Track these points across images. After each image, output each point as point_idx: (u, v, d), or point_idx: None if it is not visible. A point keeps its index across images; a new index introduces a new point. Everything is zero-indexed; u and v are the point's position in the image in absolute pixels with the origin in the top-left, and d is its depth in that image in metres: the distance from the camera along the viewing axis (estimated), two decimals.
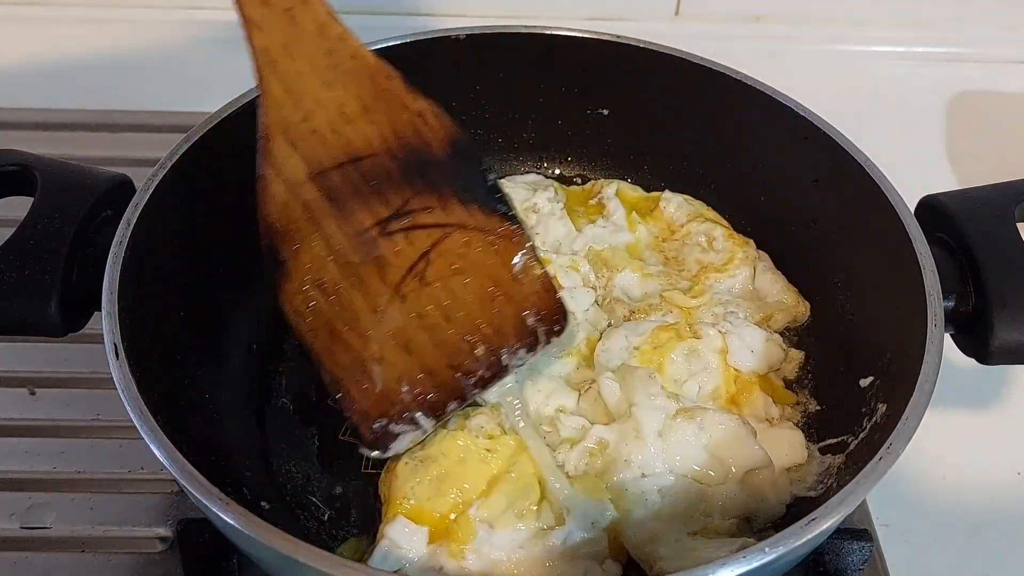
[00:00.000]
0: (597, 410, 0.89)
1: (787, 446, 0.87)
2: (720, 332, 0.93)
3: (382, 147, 0.73)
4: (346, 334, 0.74)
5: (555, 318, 0.81)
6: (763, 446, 0.85)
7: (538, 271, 0.79)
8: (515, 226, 0.78)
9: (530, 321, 0.79)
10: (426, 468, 0.81)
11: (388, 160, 0.73)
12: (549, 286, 0.80)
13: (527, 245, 0.78)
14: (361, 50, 0.71)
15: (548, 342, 0.82)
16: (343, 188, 0.72)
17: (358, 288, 0.74)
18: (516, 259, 0.78)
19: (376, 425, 0.77)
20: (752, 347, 0.93)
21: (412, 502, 0.79)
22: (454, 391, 0.79)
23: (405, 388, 0.77)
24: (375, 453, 0.79)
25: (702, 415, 0.85)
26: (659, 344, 0.92)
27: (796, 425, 0.91)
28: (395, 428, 0.77)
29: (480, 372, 0.79)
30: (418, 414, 0.78)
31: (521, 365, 0.81)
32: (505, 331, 0.79)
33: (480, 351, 0.78)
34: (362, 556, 0.80)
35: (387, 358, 0.76)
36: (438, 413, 0.79)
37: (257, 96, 0.69)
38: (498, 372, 0.80)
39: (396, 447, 0.79)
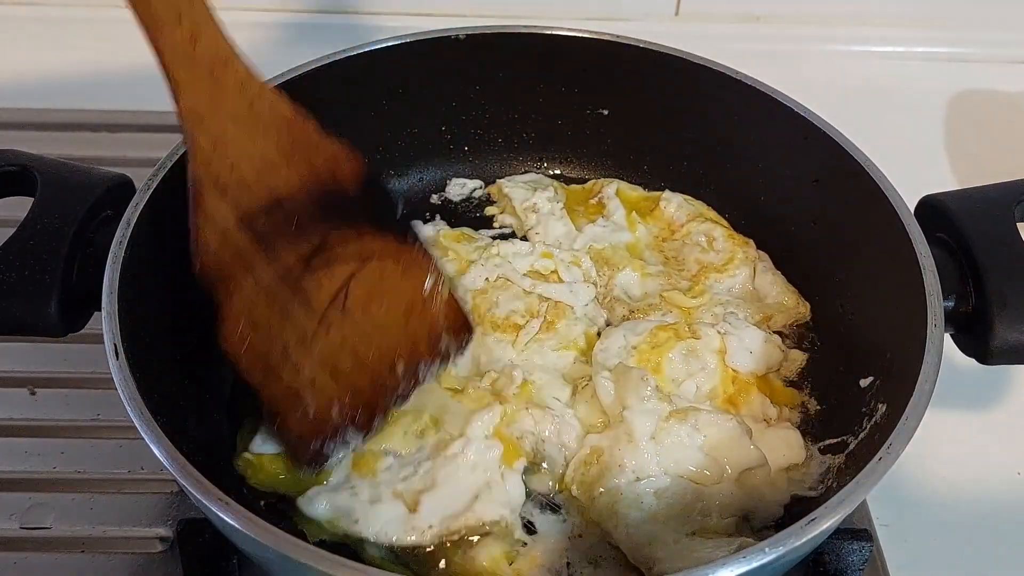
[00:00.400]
0: (593, 409, 0.89)
1: (784, 446, 0.88)
2: (719, 332, 0.93)
3: (302, 189, 0.78)
4: (278, 367, 0.79)
5: (463, 332, 0.89)
6: (759, 446, 0.85)
7: (446, 292, 0.85)
8: (423, 252, 0.84)
9: (442, 337, 0.86)
10: None
11: (308, 201, 0.78)
12: (455, 304, 0.87)
13: (434, 268, 0.84)
14: (278, 101, 0.77)
15: (460, 353, 0.89)
16: (269, 230, 0.77)
17: (287, 322, 0.79)
18: (426, 282, 0.84)
19: (312, 447, 0.82)
20: (751, 348, 0.93)
21: None
22: (379, 406, 0.85)
23: (335, 410, 0.82)
24: (308, 471, 0.83)
25: (696, 416, 0.85)
26: (657, 344, 0.92)
27: (795, 425, 0.91)
28: (328, 448, 0.83)
29: (400, 386, 0.85)
30: (348, 431, 0.83)
31: (435, 375, 0.88)
32: (420, 348, 0.86)
33: (400, 368, 0.84)
34: (249, 430, 0.86)
35: (317, 384, 0.81)
36: (365, 429, 0.84)
37: (184, 151, 0.74)
38: (415, 383, 0.86)
39: (329, 463, 0.84)
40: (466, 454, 0.84)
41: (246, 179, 0.75)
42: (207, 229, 0.75)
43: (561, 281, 1.00)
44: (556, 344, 0.95)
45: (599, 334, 0.96)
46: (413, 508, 0.81)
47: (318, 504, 0.82)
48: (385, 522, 0.81)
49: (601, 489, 0.83)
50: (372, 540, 0.80)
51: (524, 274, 1.00)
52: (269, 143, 0.76)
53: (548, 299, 0.98)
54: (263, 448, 0.85)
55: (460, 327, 0.88)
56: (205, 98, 0.72)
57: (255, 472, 0.85)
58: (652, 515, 0.81)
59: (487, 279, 0.99)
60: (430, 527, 0.81)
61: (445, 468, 0.83)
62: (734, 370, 0.92)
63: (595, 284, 1.01)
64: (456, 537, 0.81)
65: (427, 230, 1.07)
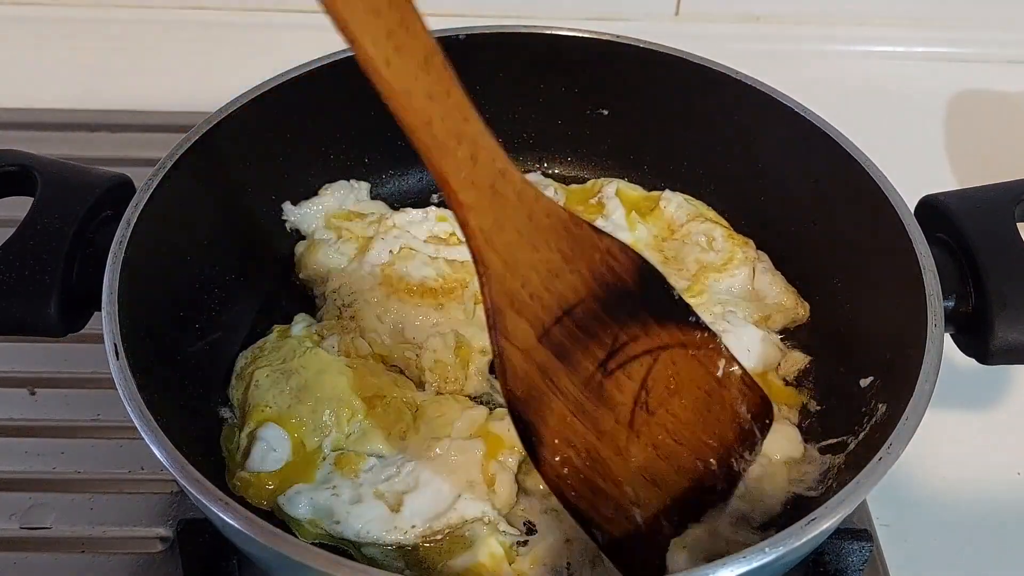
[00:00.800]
0: None
1: (782, 441, 0.87)
2: (718, 331, 0.93)
3: (586, 292, 0.74)
4: (604, 486, 0.75)
5: (764, 412, 0.83)
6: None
7: (737, 370, 0.81)
8: (707, 333, 0.79)
9: (744, 421, 0.82)
10: (287, 379, 0.88)
11: (593, 303, 0.74)
12: (751, 382, 0.82)
13: (723, 348, 0.80)
14: (552, 205, 0.72)
15: (763, 436, 0.83)
16: (565, 341, 0.73)
17: (600, 436, 0.75)
18: (719, 364, 0.80)
19: (653, 563, 0.78)
20: (749, 346, 0.93)
21: (272, 409, 0.86)
22: (704, 509, 0.81)
23: (664, 523, 0.78)
24: None
25: None
26: None
27: (794, 424, 0.91)
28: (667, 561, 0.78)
29: (718, 485, 0.81)
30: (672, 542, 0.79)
31: (749, 466, 0.83)
32: (727, 438, 0.81)
33: (713, 464, 0.80)
34: (236, 448, 0.85)
35: (642, 497, 0.77)
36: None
37: (479, 275, 0.69)
38: (734, 479, 0.82)
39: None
40: (449, 454, 0.84)
41: (537, 292, 0.71)
42: (510, 351, 0.71)
43: (461, 242, 1.01)
44: (473, 299, 0.97)
45: None
46: (395, 508, 0.81)
47: (299, 504, 0.82)
48: (366, 521, 0.81)
49: None
50: (353, 540, 0.81)
51: (424, 240, 1.01)
52: (551, 251, 0.71)
53: (454, 260, 1.00)
54: (262, 466, 0.84)
55: (759, 407, 0.83)
56: (491, 217, 0.68)
57: (256, 492, 0.84)
58: None
59: (391, 251, 1.00)
60: (413, 527, 0.81)
61: (428, 469, 0.83)
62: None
63: None
64: (440, 536, 0.81)
65: (313, 214, 1.06)
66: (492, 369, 0.92)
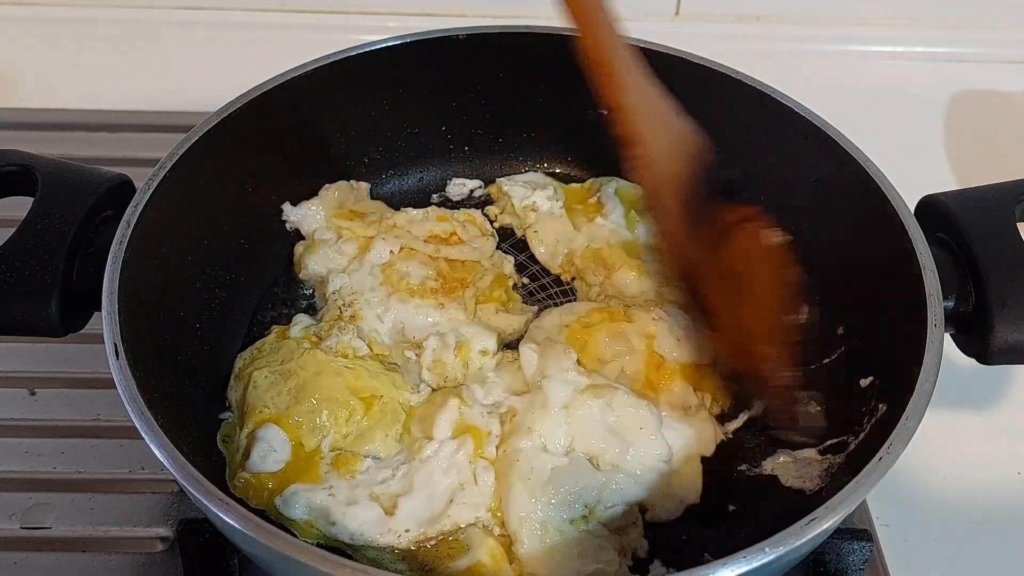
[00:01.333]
0: (516, 379, 0.91)
1: (696, 437, 0.88)
2: (653, 319, 0.93)
3: (691, 174, 0.87)
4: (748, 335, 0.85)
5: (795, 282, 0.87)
6: (674, 434, 0.87)
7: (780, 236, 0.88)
8: (760, 211, 0.87)
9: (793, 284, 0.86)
10: (285, 380, 0.87)
11: (695, 183, 0.87)
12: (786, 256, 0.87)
13: (773, 224, 0.87)
14: (656, 89, 0.87)
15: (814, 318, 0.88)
16: (694, 214, 0.87)
17: (733, 292, 0.86)
18: (774, 237, 0.87)
19: (791, 399, 0.85)
20: (679, 335, 0.93)
21: (271, 410, 0.86)
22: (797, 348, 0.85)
23: (779, 357, 0.84)
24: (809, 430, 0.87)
25: (612, 394, 0.86)
26: (589, 324, 0.94)
27: (713, 417, 0.91)
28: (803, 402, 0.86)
29: (797, 328, 0.86)
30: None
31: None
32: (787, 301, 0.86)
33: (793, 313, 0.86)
34: (236, 449, 0.85)
35: (761, 336, 0.84)
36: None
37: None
38: (802, 327, 0.86)
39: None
40: (439, 456, 0.84)
41: (672, 172, 0.85)
42: (667, 222, 0.86)
43: (461, 242, 1.02)
44: (473, 299, 0.98)
45: (509, 275, 1.02)
46: (390, 511, 0.82)
47: (295, 505, 0.82)
48: (361, 523, 0.81)
49: (505, 448, 0.84)
50: (348, 542, 0.80)
51: (425, 240, 1.02)
52: (665, 136, 0.85)
53: (454, 260, 1.01)
54: (262, 466, 0.84)
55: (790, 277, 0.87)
56: (640, 116, 0.84)
57: (257, 493, 0.83)
58: (536, 490, 0.82)
59: (391, 251, 1.00)
60: (406, 531, 0.81)
61: (420, 471, 0.84)
62: (661, 356, 0.92)
63: (493, 235, 1.06)
64: (434, 541, 0.81)
65: (313, 214, 1.06)
66: (491, 367, 0.93)
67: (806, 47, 1.48)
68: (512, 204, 1.09)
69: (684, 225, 0.87)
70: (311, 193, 1.07)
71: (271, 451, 0.84)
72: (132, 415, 0.71)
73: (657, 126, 0.86)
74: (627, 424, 0.86)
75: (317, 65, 1.00)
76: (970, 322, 0.84)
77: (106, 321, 0.76)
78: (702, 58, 1.03)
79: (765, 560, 0.64)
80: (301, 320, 0.96)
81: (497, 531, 0.82)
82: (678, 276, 0.91)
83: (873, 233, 0.89)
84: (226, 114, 0.93)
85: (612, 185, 1.10)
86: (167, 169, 0.87)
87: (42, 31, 1.47)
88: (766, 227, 0.85)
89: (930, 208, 0.89)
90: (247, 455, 0.84)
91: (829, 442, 0.88)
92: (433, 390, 0.92)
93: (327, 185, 1.07)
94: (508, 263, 1.04)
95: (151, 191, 0.85)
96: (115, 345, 0.75)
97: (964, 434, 1.03)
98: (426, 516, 0.82)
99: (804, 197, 0.99)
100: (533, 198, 1.08)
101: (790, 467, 0.88)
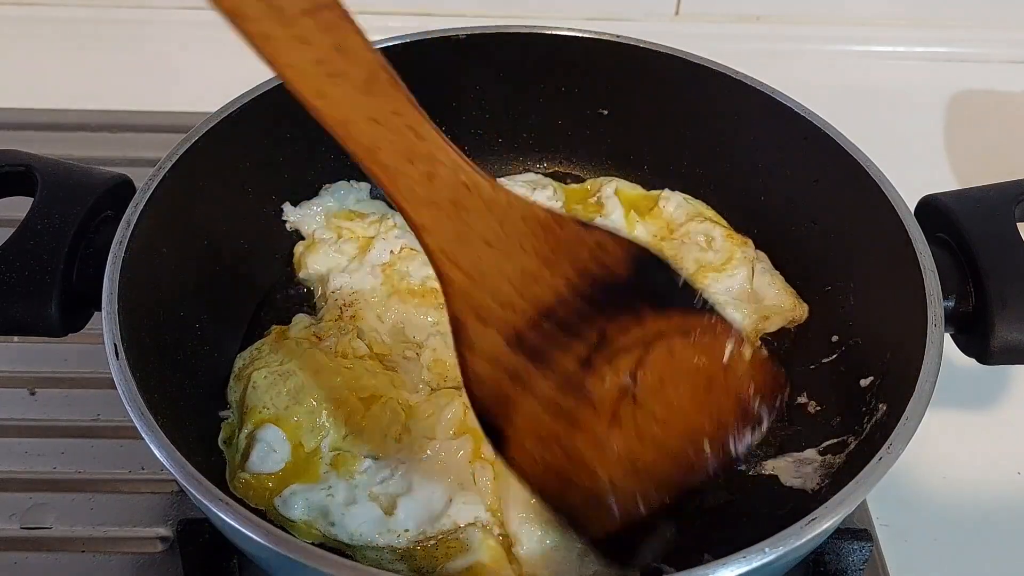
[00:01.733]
0: None
1: None
2: None
3: (569, 291, 0.70)
4: (575, 477, 0.73)
5: (776, 390, 0.78)
6: None
7: (748, 352, 0.75)
8: (715, 316, 0.74)
9: (751, 402, 0.77)
10: (284, 380, 0.88)
11: (577, 300, 0.70)
12: (763, 361, 0.77)
13: (732, 331, 0.75)
14: (529, 208, 0.69)
15: (774, 415, 0.78)
16: (541, 344, 0.70)
17: (576, 430, 0.72)
18: (727, 347, 0.75)
19: (626, 546, 0.76)
20: None
21: (270, 411, 0.86)
22: (689, 490, 0.77)
23: (641, 505, 0.75)
24: (628, 570, 0.78)
25: None
26: None
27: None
28: (645, 547, 0.76)
29: (710, 465, 0.76)
30: (660, 524, 0.76)
31: (751, 446, 0.78)
32: (727, 420, 0.76)
33: (706, 446, 0.76)
34: (236, 450, 0.85)
35: (619, 485, 0.73)
36: (677, 515, 0.77)
37: (443, 291, 0.68)
38: (729, 460, 0.77)
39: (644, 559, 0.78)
40: (438, 456, 0.84)
41: (509, 300, 0.68)
42: (474, 360, 0.69)
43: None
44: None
45: None
46: (389, 511, 0.82)
47: (294, 505, 0.82)
48: (360, 523, 0.81)
49: None
50: (347, 542, 0.80)
51: None
52: (527, 255, 0.68)
53: None
54: (262, 467, 0.84)
55: (771, 385, 0.77)
56: (452, 233, 0.65)
57: (256, 494, 0.83)
58: None
59: (391, 251, 1.00)
60: (405, 531, 0.81)
61: (420, 471, 0.84)
62: None
63: None
64: (433, 541, 0.81)
65: (313, 214, 1.05)
66: None
67: (806, 47, 1.48)
68: None
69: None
70: (311, 193, 1.07)
71: (271, 452, 0.84)
72: (132, 415, 0.71)
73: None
74: None
75: None
76: (970, 322, 0.84)
77: (106, 321, 0.76)
78: (702, 58, 1.03)
79: (765, 560, 0.64)
80: (301, 320, 0.97)
81: (497, 531, 0.82)
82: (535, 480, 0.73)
83: (873, 233, 0.89)
84: (226, 114, 0.93)
85: (612, 185, 1.10)
86: (167, 169, 0.87)
87: (42, 31, 1.47)
88: (728, 336, 0.74)
89: (930, 208, 0.89)
90: (247, 456, 0.84)
91: (829, 442, 0.88)
92: (433, 390, 0.91)
93: (327, 185, 1.07)
94: None
95: (151, 191, 0.85)
96: (115, 345, 0.75)
97: (964, 434, 1.03)
98: (425, 516, 0.82)
99: (804, 197, 0.99)
100: (533, 198, 1.08)
101: (790, 467, 0.88)
